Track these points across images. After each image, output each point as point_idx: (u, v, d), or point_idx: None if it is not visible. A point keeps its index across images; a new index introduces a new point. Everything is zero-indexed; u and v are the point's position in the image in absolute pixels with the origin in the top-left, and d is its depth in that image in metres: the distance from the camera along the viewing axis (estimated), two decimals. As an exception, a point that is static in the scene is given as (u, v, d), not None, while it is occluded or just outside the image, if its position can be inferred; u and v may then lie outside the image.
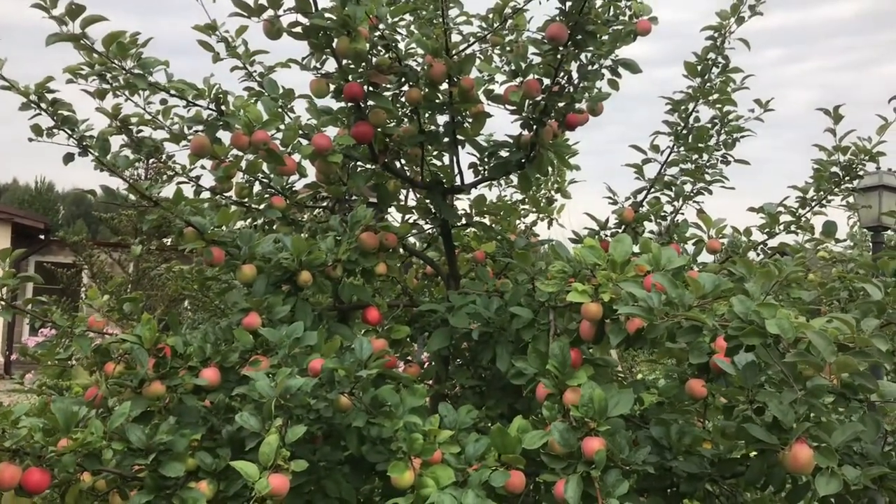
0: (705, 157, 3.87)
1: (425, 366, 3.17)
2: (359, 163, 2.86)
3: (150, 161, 3.21)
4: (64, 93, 2.69)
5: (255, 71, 3.31)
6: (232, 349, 2.51)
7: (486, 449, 2.15)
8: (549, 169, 4.48)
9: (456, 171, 3.11)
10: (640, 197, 3.48)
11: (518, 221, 4.27)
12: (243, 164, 3.05)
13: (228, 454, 2.32)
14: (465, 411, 2.43)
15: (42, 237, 17.63)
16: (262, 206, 3.33)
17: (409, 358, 3.48)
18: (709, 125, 3.80)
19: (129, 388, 2.37)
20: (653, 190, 3.45)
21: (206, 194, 3.38)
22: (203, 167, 3.33)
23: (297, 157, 2.69)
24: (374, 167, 2.90)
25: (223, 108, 2.40)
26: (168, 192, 3.46)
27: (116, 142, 2.97)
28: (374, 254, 3.00)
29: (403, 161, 3.07)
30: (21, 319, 3.07)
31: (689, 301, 2.01)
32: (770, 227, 3.40)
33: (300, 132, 2.62)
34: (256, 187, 3.47)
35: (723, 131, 3.88)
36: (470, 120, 3.01)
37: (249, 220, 3.42)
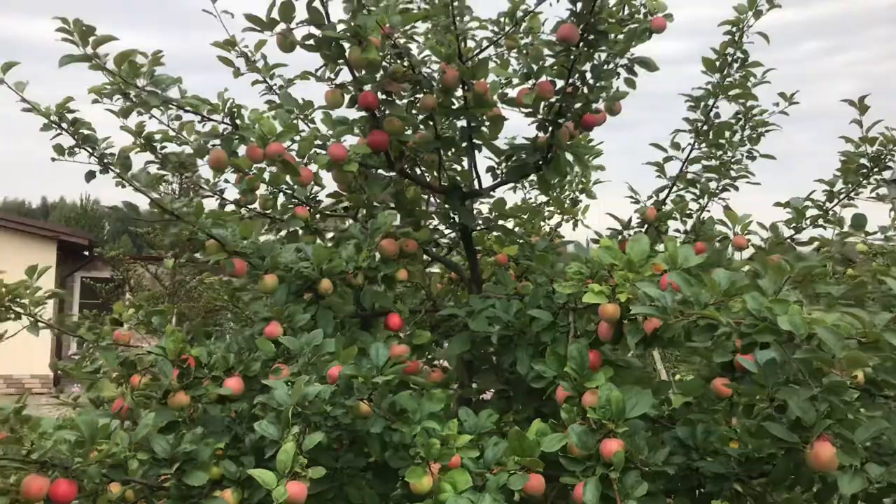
0: (730, 153, 3.83)
1: (447, 371, 3.17)
2: (377, 171, 2.88)
3: (184, 176, 3.26)
4: (90, 111, 2.76)
5: (275, 84, 3.36)
6: (254, 358, 2.54)
7: (505, 453, 2.15)
8: (575, 170, 4.49)
9: (474, 175, 3.11)
10: (662, 195, 3.44)
11: (542, 223, 4.26)
12: (266, 176, 3.10)
13: (252, 462, 2.35)
14: (486, 416, 2.43)
15: (86, 253, 18.02)
16: (285, 217, 3.38)
17: (436, 363, 3.49)
18: (732, 121, 3.76)
19: (154, 400, 2.42)
20: (675, 188, 3.41)
21: (231, 207, 3.44)
22: (227, 181, 3.40)
23: (314, 167, 2.71)
24: (391, 175, 2.92)
25: (238, 121, 2.44)
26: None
27: (143, 158, 3.05)
28: (395, 260, 3.03)
29: (422, 167, 3.08)
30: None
31: (705, 299, 1.99)
32: (796, 221, 3.34)
33: (317, 142, 2.65)
34: (281, 199, 3.53)
35: (747, 126, 3.84)
36: (487, 124, 3.02)
37: (274, 231, 3.46)
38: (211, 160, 2.50)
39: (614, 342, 2.34)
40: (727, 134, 3.82)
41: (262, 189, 3.42)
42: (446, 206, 3.09)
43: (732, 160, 3.82)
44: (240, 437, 2.44)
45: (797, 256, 2.58)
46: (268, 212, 3.42)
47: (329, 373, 2.25)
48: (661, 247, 2.66)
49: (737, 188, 3.88)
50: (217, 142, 2.45)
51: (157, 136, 2.98)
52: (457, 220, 3.06)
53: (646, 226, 3.34)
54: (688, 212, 3.68)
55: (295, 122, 2.57)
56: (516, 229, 4.13)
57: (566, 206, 4.27)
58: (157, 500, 2.35)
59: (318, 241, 3.43)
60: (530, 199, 4.54)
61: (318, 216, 3.47)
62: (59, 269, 17.13)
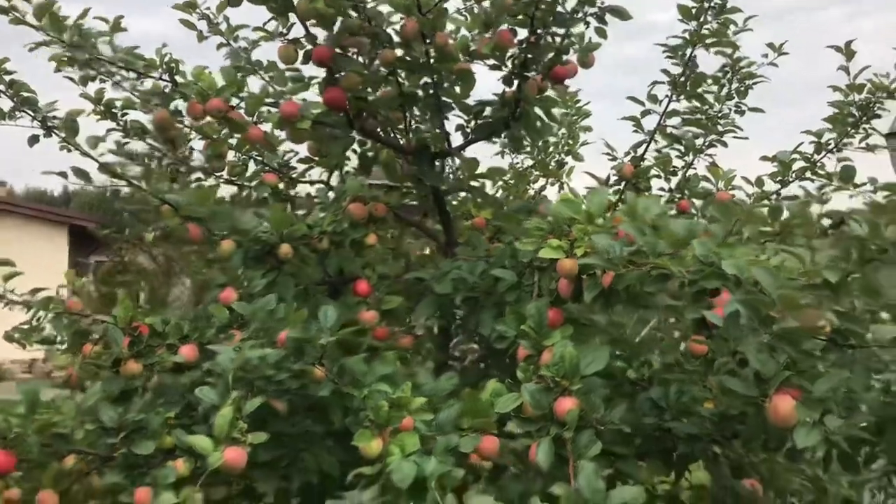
0: (717, 106, 3.69)
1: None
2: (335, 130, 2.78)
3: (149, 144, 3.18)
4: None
5: (239, 47, 3.26)
6: (210, 325, 2.47)
7: (458, 414, 2.06)
8: (561, 132, 4.37)
9: (444, 135, 3.00)
10: (640, 151, 3.32)
11: (528, 187, 4.15)
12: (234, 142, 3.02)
13: (205, 431, 2.28)
14: (448, 379, 2.35)
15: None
16: (253, 185, 3.30)
17: (416, 330, 3.40)
18: (719, 74, 3.62)
19: (105, 369, 2.36)
20: (654, 143, 3.28)
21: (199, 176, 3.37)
22: (194, 148, 3.32)
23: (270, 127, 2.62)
24: (352, 135, 2.82)
25: (177, 78, 2.35)
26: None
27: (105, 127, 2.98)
28: (364, 225, 2.94)
29: (390, 128, 2.97)
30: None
31: (660, 249, 1.89)
32: (782, 175, 3.21)
33: (269, 100, 2.55)
34: (254, 167, 3.45)
35: (734, 79, 3.70)
36: (457, 81, 2.91)
37: (243, 200, 3.38)
38: (155, 120, 2.42)
39: (574, 299, 2.24)
40: (716, 88, 3.69)
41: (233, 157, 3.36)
42: (414, 168, 2.99)
43: (719, 115, 3.69)
44: (193, 405, 2.37)
45: (774, 209, 2.46)
46: (234, 179, 3.34)
47: (278, 337, 2.17)
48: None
49: (725, 144, 3.74)
50: (158, 100, 2.35)
51: (118, 104, 2.91)
52: (426, 182, 2.95)
53: (623, 183, 3.22)
54: (671, 169, 3.55)
55: (242, 78, 2.47)
56: (499, 194, 4.03)
57: (551, 168, 4.15)
58: (109, 470, 2.30)
59: (293, 208, 3.35)
60: (517, 163, 4.43)
61: (289, 183, 3.39)
62: (73, 252, 17.25)
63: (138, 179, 2.50)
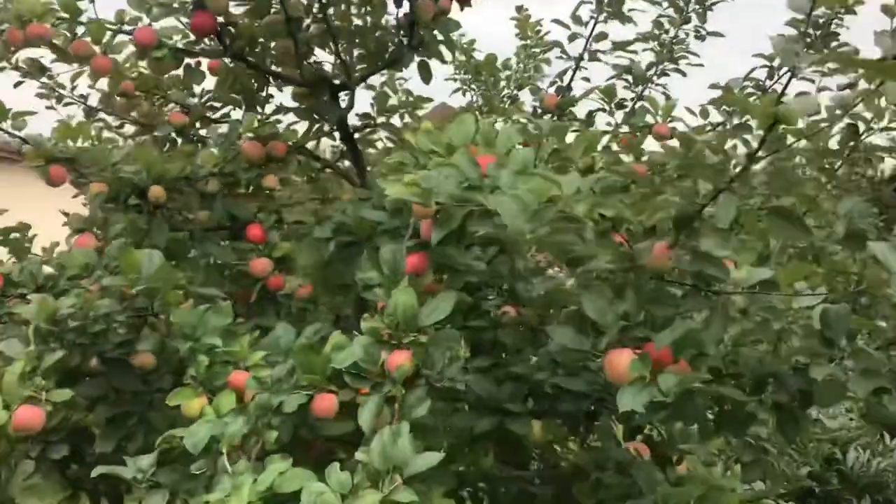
0: (672, 31, 3.37)
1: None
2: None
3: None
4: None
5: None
6: (64, 274, 2.29)
7: (289, 371, 1.85)
8: (518, 64, 4.06)
9: (343, 65, 2.75)
10: (565, 80, 3.01)
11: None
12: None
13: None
14: (313, 331, 2.14)
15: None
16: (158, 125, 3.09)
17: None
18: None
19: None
20: (581, 70, 2.98)
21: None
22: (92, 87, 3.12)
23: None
24: (231, 65, 2.58)
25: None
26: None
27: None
28: (262, 165, 2.73)
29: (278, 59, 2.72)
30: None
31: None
32: (729, 104, 2.88)
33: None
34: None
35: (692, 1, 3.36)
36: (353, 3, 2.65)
37: (151, 142, 3.17)
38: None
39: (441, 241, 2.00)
40: (671, 11, 3.37)
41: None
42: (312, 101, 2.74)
43: (674, 41, 3.36)
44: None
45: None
46: (141, 120, 3.13)
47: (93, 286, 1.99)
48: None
49: (683, 73, 3.42)
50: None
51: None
52: (324, 117, 2.71)
53: (549, 115, 2.92)
54: (620, 102, 3.24)
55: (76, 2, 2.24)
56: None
57: (501, 105, 3.86)
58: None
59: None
60: (474, 101, 4.16)
61: (197, 122, 3.17)
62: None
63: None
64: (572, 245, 1.30)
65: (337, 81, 2.75)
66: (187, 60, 2.51)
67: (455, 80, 4.42)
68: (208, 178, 2.64)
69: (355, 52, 2.69)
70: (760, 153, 1.37)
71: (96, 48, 2.27)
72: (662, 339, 1.47)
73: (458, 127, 1.99)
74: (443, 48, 2.67)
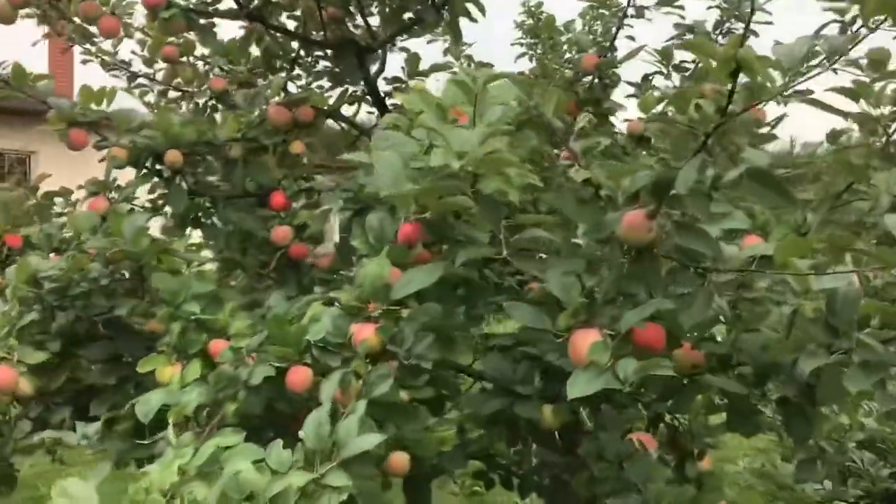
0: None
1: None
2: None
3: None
4: None
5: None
6: (75, 236, 2.30)
7: (261, 343, 1.77)
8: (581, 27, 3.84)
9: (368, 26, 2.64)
10: (608, 39, 2.79)
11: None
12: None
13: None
14: (306, 301, 2.06)
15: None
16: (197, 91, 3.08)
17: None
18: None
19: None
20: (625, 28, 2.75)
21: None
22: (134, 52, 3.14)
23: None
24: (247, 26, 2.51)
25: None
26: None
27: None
28: (289, 131, 2.67)
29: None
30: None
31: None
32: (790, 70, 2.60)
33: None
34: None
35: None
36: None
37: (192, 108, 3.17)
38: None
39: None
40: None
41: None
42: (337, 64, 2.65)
43: (741, -4, 3.07)
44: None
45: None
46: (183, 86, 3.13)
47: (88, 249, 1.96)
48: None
49: (755, 34, 3.12)
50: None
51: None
52: (348, 80, 2.62)
53: (589, 78, 2.71)
54: (677, 64, 2.99)
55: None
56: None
57: (557, 70, 3.64)
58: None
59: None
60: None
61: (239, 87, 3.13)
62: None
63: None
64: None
65: (363, 44, 2.64)
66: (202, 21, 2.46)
67: (521, 44, 4.24)
68: (231, 144, 2.60)
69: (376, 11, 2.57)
70: (733, 107, 1.18)
71: (105, 8, 2.25)
72: (629, 319, 1.30)
73: (452, 88, 1.85)
74: (471, 6, 2.51)
